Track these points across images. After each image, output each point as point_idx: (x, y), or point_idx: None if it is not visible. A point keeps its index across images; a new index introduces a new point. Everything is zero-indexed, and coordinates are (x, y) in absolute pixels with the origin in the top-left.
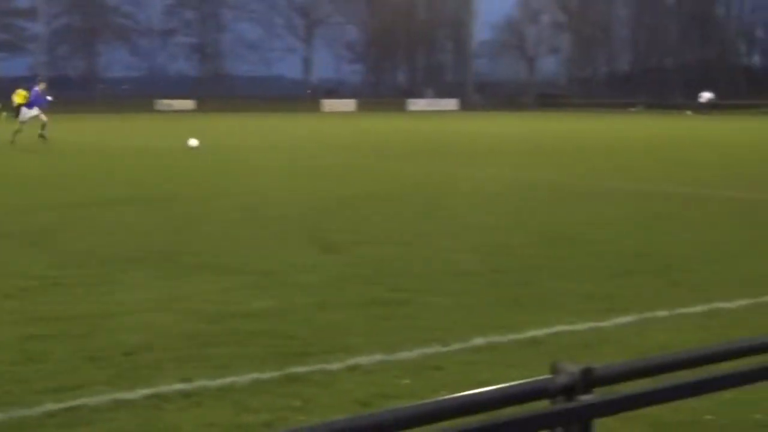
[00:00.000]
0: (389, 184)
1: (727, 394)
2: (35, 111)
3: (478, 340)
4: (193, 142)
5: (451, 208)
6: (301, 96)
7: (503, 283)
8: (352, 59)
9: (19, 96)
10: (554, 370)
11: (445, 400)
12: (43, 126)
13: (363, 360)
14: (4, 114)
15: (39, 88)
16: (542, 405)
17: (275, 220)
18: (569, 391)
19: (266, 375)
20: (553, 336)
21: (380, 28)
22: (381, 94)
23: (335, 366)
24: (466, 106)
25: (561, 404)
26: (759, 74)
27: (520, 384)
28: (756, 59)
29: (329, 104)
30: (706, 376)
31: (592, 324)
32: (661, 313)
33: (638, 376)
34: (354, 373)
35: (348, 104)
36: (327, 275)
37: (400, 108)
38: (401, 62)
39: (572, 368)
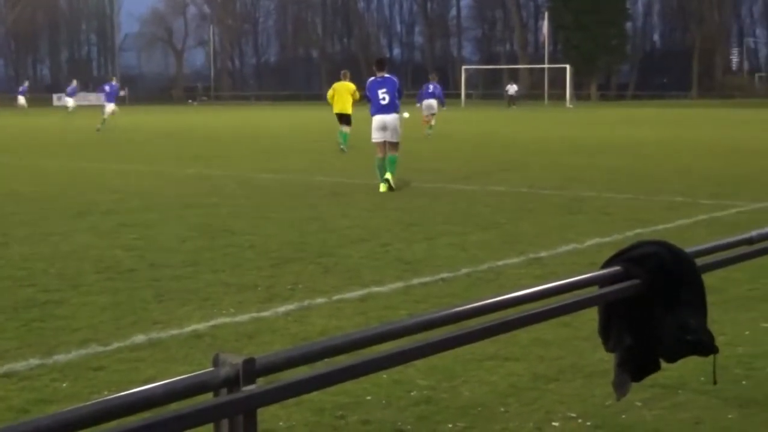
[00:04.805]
0: (35, 183)
1: (384, 375)
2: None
3: (139, 338)
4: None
5: (105, 204)
6: None
7: (162, 278)
8: None
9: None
10: (216, 362)
11: (106, 400)
12: None
13: (18, 366)
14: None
15: None
16: (207, 398)
17: None
18: (232, 382)
19: None
20: (215, 328)
21: (20, 20)
22: None
23: None
24: (119, 101)
25: (224, 396)
26: (398, 66)
27: (182, 379)
28: (396, 52)
29: None
30: (364, 358)
31: (253, 314)
32: (320, 300)
33: (299, 363)
34: (9, 380)
35: None
36: None
37: (46, 103)
38: (44, 56)
39: (234, 359)
